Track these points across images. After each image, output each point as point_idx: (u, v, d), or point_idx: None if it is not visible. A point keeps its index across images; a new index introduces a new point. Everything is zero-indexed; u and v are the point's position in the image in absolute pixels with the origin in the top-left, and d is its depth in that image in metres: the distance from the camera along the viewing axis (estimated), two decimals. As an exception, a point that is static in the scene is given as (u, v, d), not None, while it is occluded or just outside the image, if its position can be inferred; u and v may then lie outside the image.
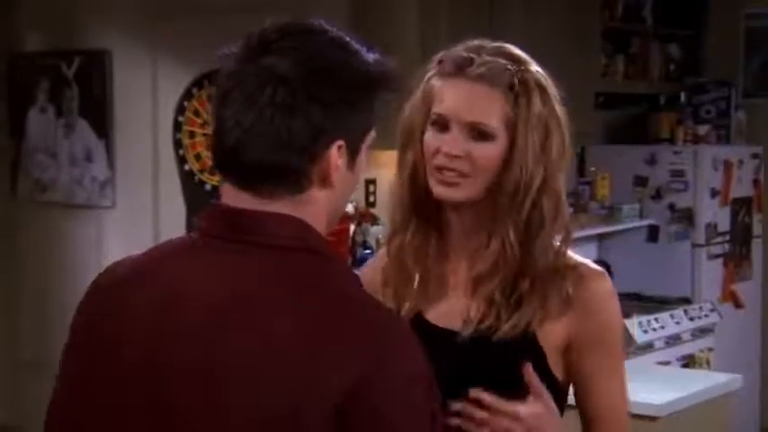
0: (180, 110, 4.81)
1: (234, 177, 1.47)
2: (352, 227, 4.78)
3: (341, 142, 1.45)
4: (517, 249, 1.83)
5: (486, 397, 1.76)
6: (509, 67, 1.83)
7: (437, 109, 1.84)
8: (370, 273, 2.01)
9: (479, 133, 1.81)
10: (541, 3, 5.18)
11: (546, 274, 1.84)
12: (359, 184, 5.50)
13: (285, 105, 1.41)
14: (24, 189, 5.32)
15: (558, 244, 1.87)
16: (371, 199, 5.08)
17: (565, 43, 5.19)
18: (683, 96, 6.40)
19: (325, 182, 1.46)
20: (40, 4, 5.23)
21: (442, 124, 1.84)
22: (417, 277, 1.89)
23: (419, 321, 1.86)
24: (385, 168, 3.48)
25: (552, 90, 1.86)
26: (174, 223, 4.73)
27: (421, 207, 1.89)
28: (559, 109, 1.86)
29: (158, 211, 4.86)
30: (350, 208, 4.79)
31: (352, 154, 1.48)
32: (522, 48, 1.95)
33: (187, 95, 4.80)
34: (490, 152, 1.81)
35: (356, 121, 1.48)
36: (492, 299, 1.84)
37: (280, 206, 1.45)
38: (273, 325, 1.37)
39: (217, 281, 1.43)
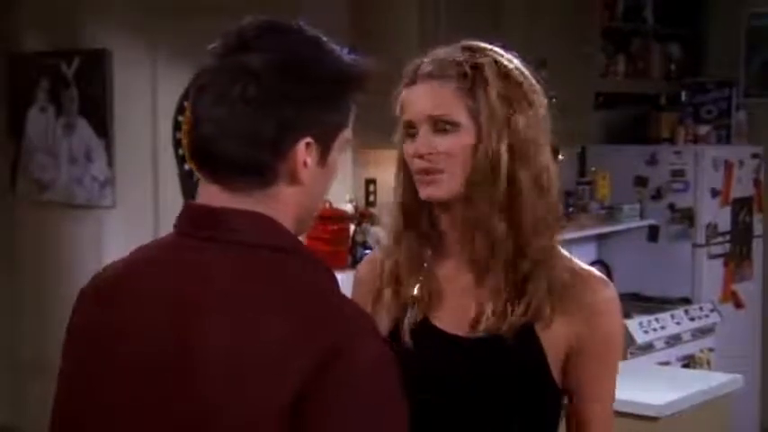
0: (180, 110, 4.81)
1: (207, 171, 1.50)
2: (352, 227, 4.77)
3: (309, 139, 1.46)
4: (504, 229, 1.82)
5: None
6: (458, 57, 1.85)
7: (404, 118, 1.87)
8: (368, 267, 2.02)
9: (442, 126, 1.83)
10: (541, 3, 5.18)
11: (547, 262, 1.83)
12: (356, 183, 5.45)
13: (255, 101, 1.44)
14: (24, 189, 5.31)
15: (550, 226, 1.85)
16: (371, 199, 5.07)
17: (565, 43, 5.18)
18: (683, 96, 6.40)
19: (294, 178, 1.47)
20: (40, 4, 5.22)
21: (411, 131, 1.86)
22: (420, 285, 1.90)
23: (426, 326, 1.87)
24: (385, 168, 3.48)
25: (517, 67, 1.86)
26: (173, 223, 4.72)
27: (417, 217, 1.90)
28: (528, 85, 1.86)
29: (158, 210, 4.85)
30: (350, 208, 4.78)
31: (324, 152, 1.49)
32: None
33: (187, 95, 4.80)
34: (457, 142, 1.82)
35: (328, 119, 1.49)
36: (497, 289, 1.83)
37: (250, 202, 1.46)
38: (249, 322, 1.38)
39: (191, 279, 1.44)
